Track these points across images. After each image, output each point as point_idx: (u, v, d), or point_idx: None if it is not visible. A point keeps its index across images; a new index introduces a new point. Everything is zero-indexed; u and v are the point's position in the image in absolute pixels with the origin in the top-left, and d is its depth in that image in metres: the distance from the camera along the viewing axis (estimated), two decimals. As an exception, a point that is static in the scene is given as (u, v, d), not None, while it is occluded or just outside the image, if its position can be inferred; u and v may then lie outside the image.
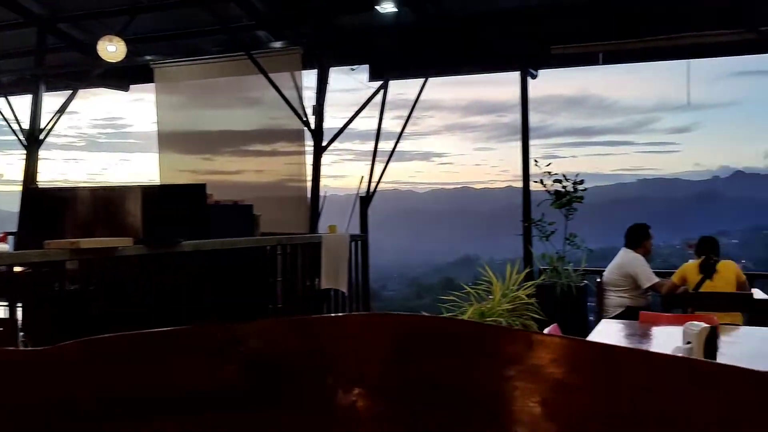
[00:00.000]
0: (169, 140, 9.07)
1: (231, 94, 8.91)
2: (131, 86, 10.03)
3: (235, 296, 5.61)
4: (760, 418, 0.83)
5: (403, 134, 7.72)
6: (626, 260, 5.97)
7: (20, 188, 8.59)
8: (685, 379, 0.89)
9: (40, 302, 4.08)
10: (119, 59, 7.41)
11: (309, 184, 7.84)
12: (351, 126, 7.67)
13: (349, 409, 1.17)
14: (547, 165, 6.72)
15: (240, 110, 8.90)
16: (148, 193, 5.67)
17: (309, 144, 7.82)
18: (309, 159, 7.84)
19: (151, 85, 9.10)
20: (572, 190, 6.62)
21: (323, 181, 7.84)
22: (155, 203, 5.56)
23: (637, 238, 6.03)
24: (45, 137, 9.12)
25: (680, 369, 0.90)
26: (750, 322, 5.01)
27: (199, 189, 5.61)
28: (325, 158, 7.82)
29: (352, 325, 1.32)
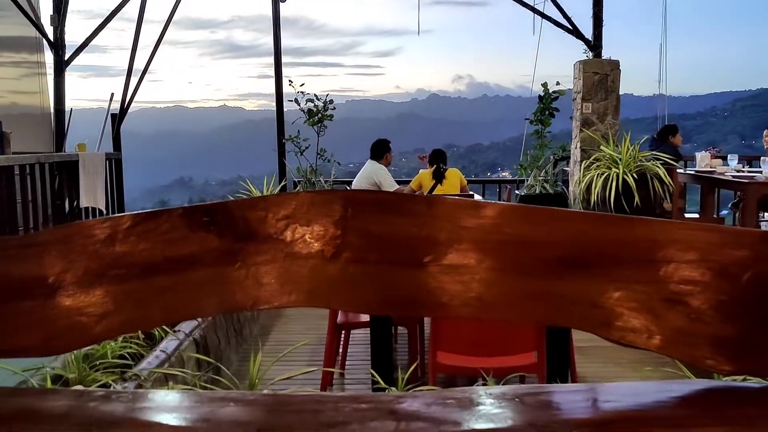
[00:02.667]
0: None
1: None
2: None
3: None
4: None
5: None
6: (372, 170, 6.86)
7: None
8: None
9: None
10: None
11: (51, 100, 7.41)
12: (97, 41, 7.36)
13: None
14: (301, 85, 7.27)
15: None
16: None
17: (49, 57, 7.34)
18: (50, 72, 7.38)
19: None
20: (323, 108, 7.29)
21: (68, 98, 7.46)
22: None
23: (381, 151, 6.94)
24: None
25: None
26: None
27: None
28: (71, 73, 7.43)
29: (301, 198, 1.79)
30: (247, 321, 4.83)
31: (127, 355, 2.95)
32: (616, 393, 1.60)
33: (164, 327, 3.29)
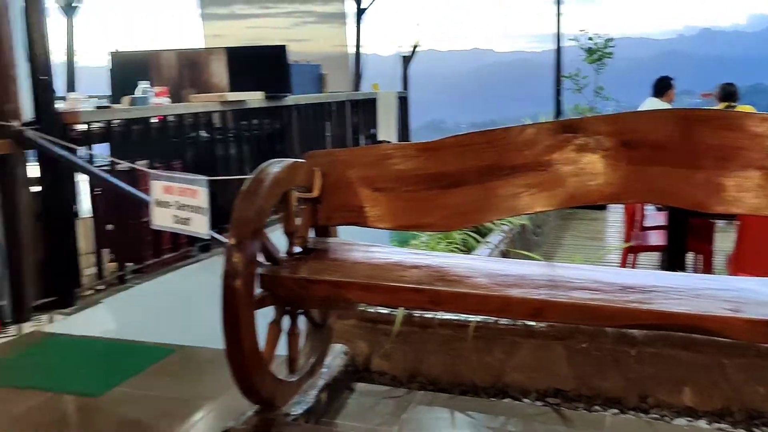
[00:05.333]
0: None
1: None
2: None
3: (308, 144, 6.33)
4: None
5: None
6: (653, 107, 6.83)
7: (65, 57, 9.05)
8: None
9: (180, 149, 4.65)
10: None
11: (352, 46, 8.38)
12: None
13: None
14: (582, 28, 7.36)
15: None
16: (233, 54, 6.16)
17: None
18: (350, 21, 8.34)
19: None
20: (603, 46, 7.33)
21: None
22: (239, 63, 6.10)
23: (663, 88, 6.87)
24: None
25: None
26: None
27: (279, 49, 6.15)
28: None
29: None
30: (532, 246, 5.29)
31: (449, 256, 3.54)
32: None
33: (477, 238, 3.84)
